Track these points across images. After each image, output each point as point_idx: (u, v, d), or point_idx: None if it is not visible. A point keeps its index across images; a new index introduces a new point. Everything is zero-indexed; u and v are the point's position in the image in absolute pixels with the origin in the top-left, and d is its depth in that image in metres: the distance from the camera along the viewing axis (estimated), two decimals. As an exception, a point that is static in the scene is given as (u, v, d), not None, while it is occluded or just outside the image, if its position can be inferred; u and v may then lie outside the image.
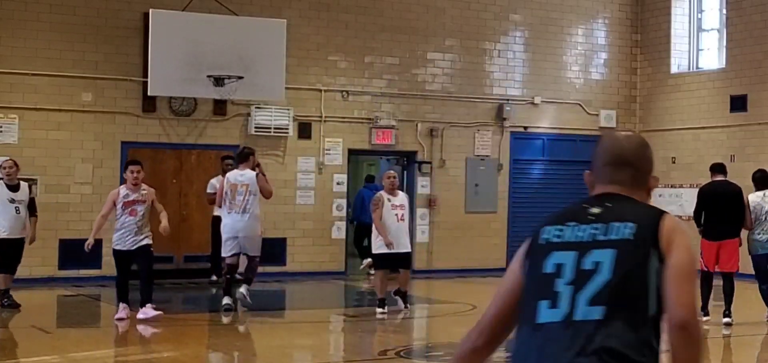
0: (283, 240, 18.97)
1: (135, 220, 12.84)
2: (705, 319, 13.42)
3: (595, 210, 3.51)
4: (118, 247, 12.90)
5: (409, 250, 14.54)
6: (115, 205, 12.90)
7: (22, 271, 16.99)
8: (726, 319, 13.49)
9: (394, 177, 14.52)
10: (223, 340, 12.61)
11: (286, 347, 12.18)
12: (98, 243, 17.21)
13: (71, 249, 17.26)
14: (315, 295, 17.41)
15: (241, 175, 13.93)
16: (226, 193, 13.87)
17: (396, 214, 14.01)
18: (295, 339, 12.98)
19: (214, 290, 17.16)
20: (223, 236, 14.01)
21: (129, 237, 12.84)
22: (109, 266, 17.51)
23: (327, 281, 18.59)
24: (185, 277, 18.03)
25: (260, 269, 18.52)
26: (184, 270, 18.18)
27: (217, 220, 17.45)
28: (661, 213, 3.55)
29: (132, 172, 13.04)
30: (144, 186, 13.08)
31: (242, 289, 14.11)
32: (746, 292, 17.51)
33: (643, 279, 3.32)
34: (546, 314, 3.33)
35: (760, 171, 14.34)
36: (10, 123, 16.95)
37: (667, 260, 3.34)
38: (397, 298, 14.30)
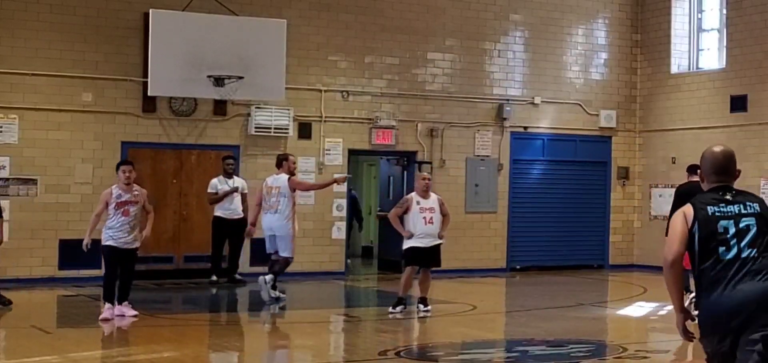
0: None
1: (128, 220, 12.90)
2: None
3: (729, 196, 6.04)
4: (110, 244, 12.90)
5: (436, 243, 14.18)
6: (107, 205, 12.92)
7: (22, 271, 17.03)
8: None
9: (428, 179, 14.43)
10: (223, 340, 12.61)
11: (286, 347, 12.19)
12: (95, 242, 17.26)
13: (71, 249, 17.24)
14: (315, 295, 17.40)
15: (276, 178, 15.24)
16: (263, 194, 15.18)
17: (424, 217, 13.96)
18: (295, 339, 12.98)
19: (214, 290, 17.18)
20: (264, 234, 15.33)
21: (122, 236, 12.88)
22: (109, 266, 17.54)
23: (327, 281, 18.59)
24: (185, 277, 18.02)
25: (260, 269, 18.57)
26: (184, 270, 18.18)
27: (217, 221, 17.52)
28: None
29: (124, 172, 13.05)
30: (136, 186, 13.10)
31: (266, 277, 15.02)
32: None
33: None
34: (723, 254, 5.86)
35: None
36: (10, 123, 16.95)
37: None
38: (420, 305, 14.17)
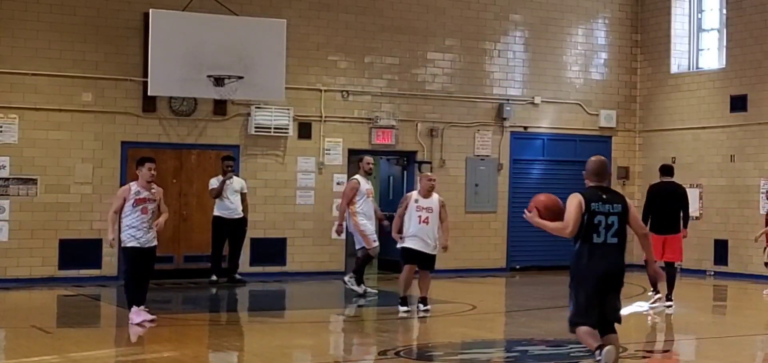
0: (283, 240, 18.98)
1: (147, 218, 12.70)
2: (667, 304, 15.18)
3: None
4: (134, 245, 12.64)
5: (431, 252, 14.11)
6: (125, 201, 12.72)
7: (22, 271, 17.03)
8: (668, 302, 15.20)
9: (433, 180, 14.36)
10: (223, 340, 12.60)
11: (286, 347, 12.17)
12: (99, 242, 17.28)
13: (71, 249, 17.28)
14: (315, 295, 17.40)
15: (367, 183, 16.56)
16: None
17: (420, 216, 13.94)
18: (295, 339, 12.97)
19: (214, 290, 17.17)
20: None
21: (143, 235, 12.69)
22: (109, 266, 17.57)
23: (327, 281, 18.58)
24: (185, 277, 18.02)
25: (260, 269, 18.60)
26: (184, 270, 18.18)
27: (217, 221, 17.52)
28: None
29: (149, 169, 12.79)
30: (154, 185, 12.93)
31: (346, 276, 16.70)
32: (747, 293, 17.52)
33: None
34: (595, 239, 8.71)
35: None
36: (10, 123, 16.95)
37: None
38: (419, 305, 14.17)
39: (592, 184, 9.04)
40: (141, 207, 12.62)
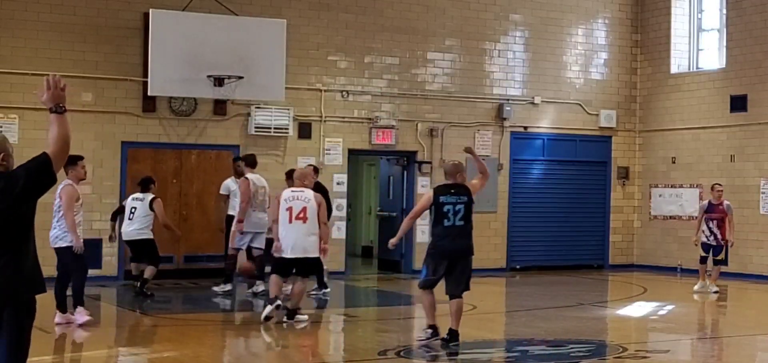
0: (283, 240, 18.93)
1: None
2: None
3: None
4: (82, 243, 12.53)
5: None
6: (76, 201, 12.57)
7: (22, 271, 16.98)
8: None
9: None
10: (223, 340, 12.61)
11: (286, 347, 12.18)
12: (99, 242, 17.27)
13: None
14: (315, 295, 17.36)
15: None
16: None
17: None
18: (295, 339, 12.97)
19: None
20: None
21: (81, 232, 12.68)
22: (109, 266, 17.57)
23: (327, 281, 18.55)
24: (185, 277, 18.01)
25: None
26: (184, 270, 18.17)
27: (230, 219, 17.24)
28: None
29: (83, 167, 12.65)
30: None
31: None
32: (747, 293, 17.52)
33: None
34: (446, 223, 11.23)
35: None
36: (10, 123, 16.95)
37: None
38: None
39: (448, 181, 11.49)
40: (79, 203, 12.62)
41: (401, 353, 11.29)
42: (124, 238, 15.92)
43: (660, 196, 21.91)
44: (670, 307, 16.05)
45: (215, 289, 16.27)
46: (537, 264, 21.26)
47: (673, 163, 21.64)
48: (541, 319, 14.11)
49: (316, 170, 16.07)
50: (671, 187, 21.71)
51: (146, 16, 17.21)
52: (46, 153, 5.63)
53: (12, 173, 5.54)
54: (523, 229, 21.26)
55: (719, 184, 17.66)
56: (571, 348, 11.51)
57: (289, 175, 14.53)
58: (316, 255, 12.93)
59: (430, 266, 11.33)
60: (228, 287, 16.28)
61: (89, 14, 17.66)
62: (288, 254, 12.77)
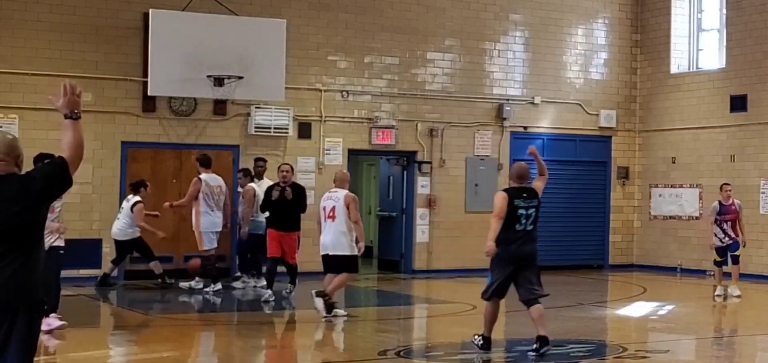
0: (283, 240, 18.94)
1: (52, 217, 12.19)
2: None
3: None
4: (58, 244, 12.12)
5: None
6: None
7: (22, 271, 16.98)
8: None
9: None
10: (223, 340, 12.61)
11: (286, 347, 12.18)
12: (98, 242, 17.29)
13: (71, 249, 17.20)
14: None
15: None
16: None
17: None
18: (295, 339, 12.97)
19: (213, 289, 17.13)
20: None
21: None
22: (109, 266, 17.54)
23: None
24: (185, 277, 17.99)
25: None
26: (184, 270, 18.14)
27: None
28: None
29: None
30: None
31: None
32: (747, 293, 17.52)
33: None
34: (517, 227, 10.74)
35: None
36: (10, 123, 16.94)
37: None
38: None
39: (517, 184, 11.13)
40: (58, 207, 12.18)
41: (401, 353, 11.28)
42: (112, 236, 16.84)
43: (660, 196, 21.91)
44: (670, 307, 16.05)
45: (206, 289, 16.33)
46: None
47: (673, 163, 21.64)
48: (541, 319, 14.08)
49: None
50: (671, 187, 21.71)
51: (146, 16, 17.21)
52: (63, 157, 5.67)
53: (28, 176, 5.58)
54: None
55: (728, 184, 17.24)
56: (571, 348, 11.51)
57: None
58: (345, 252, 13.53)
59: (495, 272, 10.95)
60: (218, 286, 16.39)
61: (89, 14, 17.66)
62: (323, 251, 13.72)
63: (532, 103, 21.25)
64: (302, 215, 15.59)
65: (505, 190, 11.05)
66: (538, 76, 21.35)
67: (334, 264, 13.62)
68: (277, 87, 17.41)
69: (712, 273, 18.02)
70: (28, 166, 5.92)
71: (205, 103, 18.25)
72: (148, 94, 17.07)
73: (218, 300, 15.98)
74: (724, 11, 21.00)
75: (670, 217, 21.65)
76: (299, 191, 15.40)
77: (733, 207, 16.84)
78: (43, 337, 11.97)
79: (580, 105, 21.72)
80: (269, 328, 13.94)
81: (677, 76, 21.73)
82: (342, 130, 19.54)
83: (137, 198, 16.53)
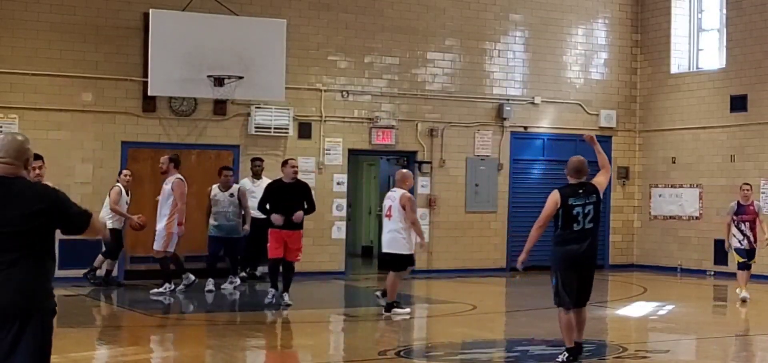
0: (283, 240, 18.93)
1: None
2: None
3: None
4: None
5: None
6: None
7: (22, 271, 16.98)
8: None
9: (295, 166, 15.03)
10: (223, 340, 12.60)
11: (286, 347, 12.18)
12: (98, 243, 17.27)
13: (71, 249, 17.23)
14: (315, 295, 17.39)
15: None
16: None
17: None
18: (295, 339, 12.98)
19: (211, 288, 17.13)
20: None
21: None
22: (108, 262, 17.53)
23: (327, 281, 18.59)
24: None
25: (260, 269, 18.55)
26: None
27: (254, 221, 17.04)
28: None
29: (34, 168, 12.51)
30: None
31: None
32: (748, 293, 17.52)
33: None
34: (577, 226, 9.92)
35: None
36: (10, 123, 16.95)
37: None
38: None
39: (574, 180, 10.31)
40: None
41: (401, 353, 11.28)
42: None
43: (660, 196, 21.91)
44: (670, 307, 16.05)
45: (206, 288, 16.35)
46: (537, 264, 21.15)
47: (673, 163, 21.64)
48: (541, 319, 14.10)
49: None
50: (671, 187, 21.71)
51: (146, 16, 17.21)
52: (90, 213, 5.90)
53: (47, 189, 5.73)
54: (523, 229, 21.10)
55: (747, 184, 16.70)
56: (571, 348, 11.47)
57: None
58: (399, 251, 13.75)
59: (558, 277, 10.15)
60: (209, 286, 16.48)
61: (89, 14, 17.66)
62: (382, 249, 14.14)
63: (533, 103, 21.25)
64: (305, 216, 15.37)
65: (559, 189, 10.17)
66: (538, 76, 21.35)
67: (389, 261, 13.94)
68: (277, 87, 17.40)
69: (712, 273, 18.06)
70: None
71: (205, 103, 18.25)
72: (148, 94, 17.07)
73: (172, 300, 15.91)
74: (724, 11, 21.00)
75: (671, 217, 21.65)
76: (305, 186, 15.26)
77: (751, 207, 16.30)
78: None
79: (580, 105, 21.72)
80: (269, 329, 13.94)
81: (677, 76, 21.73)
82: (342, 130, 19.54)
83: (117, 184, 16.68)
